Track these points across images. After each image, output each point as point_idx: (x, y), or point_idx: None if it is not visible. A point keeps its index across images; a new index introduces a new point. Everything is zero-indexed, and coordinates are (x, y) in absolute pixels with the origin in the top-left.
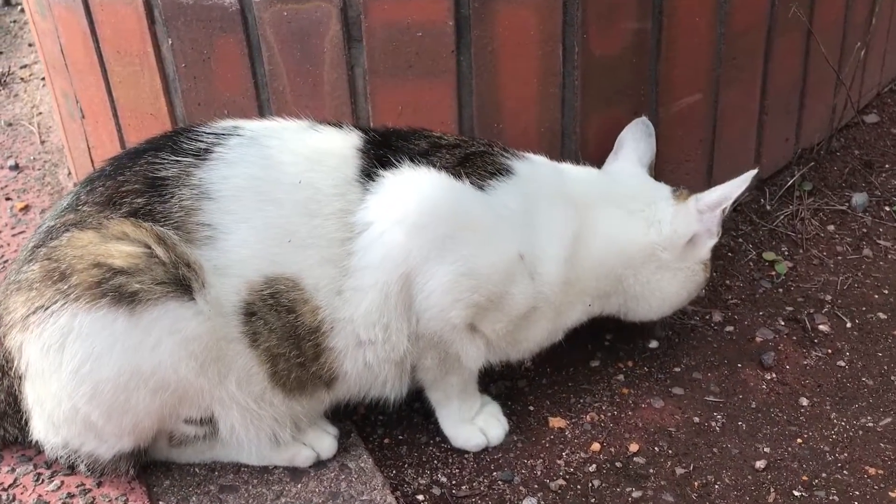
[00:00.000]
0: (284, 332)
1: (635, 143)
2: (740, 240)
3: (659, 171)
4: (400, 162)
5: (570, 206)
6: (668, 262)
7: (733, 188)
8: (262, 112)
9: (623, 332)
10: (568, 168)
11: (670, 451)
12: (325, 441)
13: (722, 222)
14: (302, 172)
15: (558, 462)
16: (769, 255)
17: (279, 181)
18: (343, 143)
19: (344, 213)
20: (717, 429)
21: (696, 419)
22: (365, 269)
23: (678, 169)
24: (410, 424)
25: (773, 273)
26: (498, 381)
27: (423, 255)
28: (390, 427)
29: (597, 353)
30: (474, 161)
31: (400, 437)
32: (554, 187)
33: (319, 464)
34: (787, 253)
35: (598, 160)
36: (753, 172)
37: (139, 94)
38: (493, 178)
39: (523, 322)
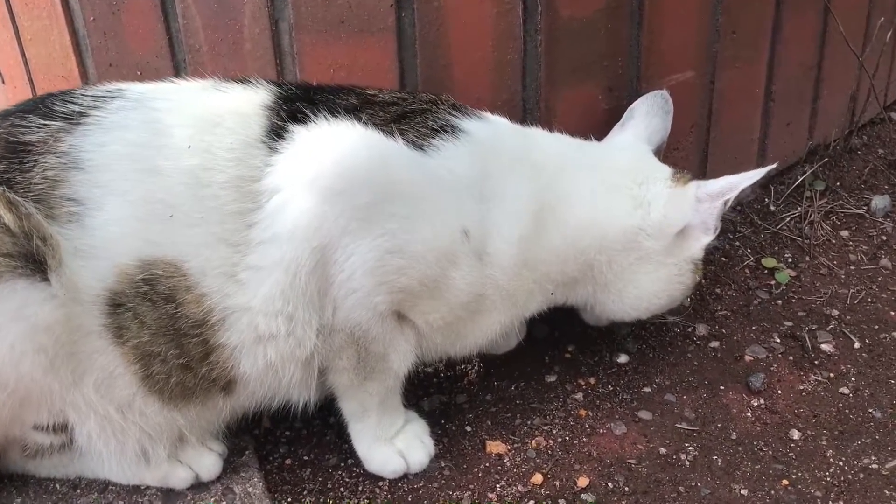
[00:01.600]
0: (161, 326)
1: (647, 119)
2: (737, 243)
3: None
4: (318, 117)
5: (534, 176)
6: (653, 252)
7: (743, 179)
8: (178, 75)
9: (588, 344)
10: (537, 133)
11: (626, 489)
12: (206, 459)
13: (721, 218)
14: (192, 136)
15: (489, 496)
16: (769, 262)
17: (164, 148)
18: (247, 101)
19: (243, 182)
20: (687, 463)
21: (663, 450)
22: (268, 244)
23: (665, 158)
24: (321, 443)
25: (773, 282)
26: (433, 396)
27: (341, 227)
28: (296, 445)
29: (555, 366)
30: (413, 118)
31: (305, 458)
32: (515, 152)
33: (201, 486)
34: (790, 260)
35: None
36: (773, 167)
37: (50, 52)
38: (435, 137)
39: (467, 313)
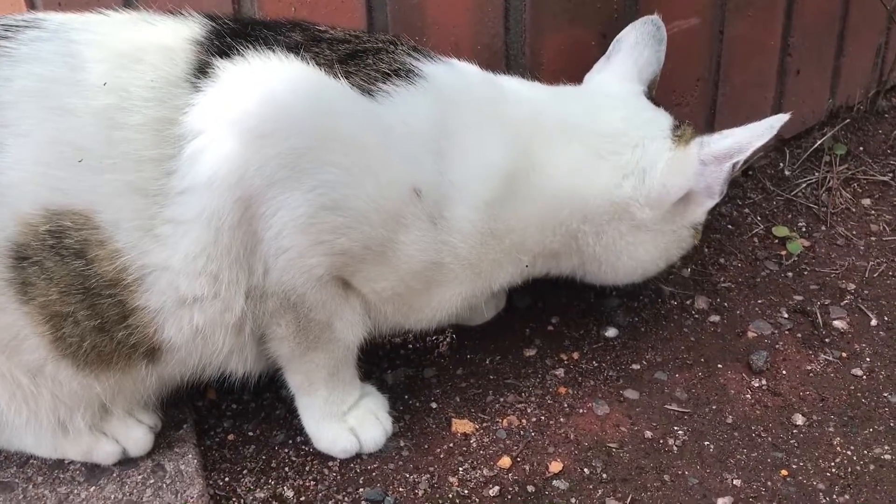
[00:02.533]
0: (70, 284)
1: (636, 50)
2: (746, 210)
3: None
4: (256, 45)
5: (506, 135)
6: (649, 222)
7: (753, 136)
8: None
9: (573, 316)
10: (510, 82)
11: (604, 476)
12: (134, 433)
13: (729, 180)
14: (109, 72)
15: (451, 480)
16: (781, 231)
17: (78, 84)
18: (174, 35)
19: (162, 125)
20: (675, 449)
21: (649, 434)
22: (187, 195)
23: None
24: (269, 418)
25: (784, 252)
26: (398, 369)
27: (267, 176)
28: (242, 419)
29: (535, 339)
30: (364, 59)
31: (250, 434)
32: (483, 105)
33: (130, 461)
34: (804, 229)
35: None
36: (784, 118)
37: None
38: (388, 82)
39: (421, 283)
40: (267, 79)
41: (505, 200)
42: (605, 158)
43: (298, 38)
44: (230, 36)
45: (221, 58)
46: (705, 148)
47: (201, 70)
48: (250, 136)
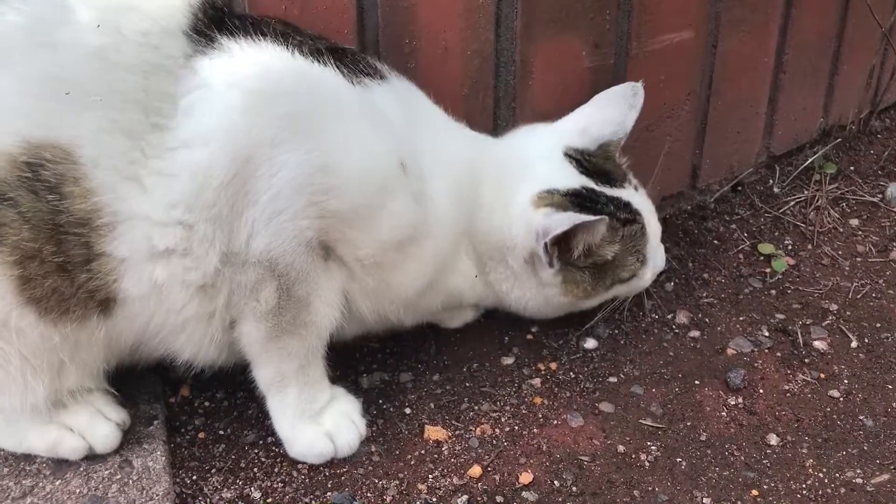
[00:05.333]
0: (42, 220)
1: (600, 108)
2: (733, 226)
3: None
4: (246, 29)
5: (460, 142)
6: (517, 271)
7: (573, 221)
8: None
9: (554, 325)
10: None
11: (574, 489)
12: (100, 429)
13: (553, 257)
14: (104, 15)
15: (419, 487)
16: (766, 248)
17: (70, 23)
18: None
19: (153, 70)
20: (647, 464)
21: (622, 448)
22: (179, 147)
23: (656, 127)
24: (242, 417)
25: (768, 270)
26: (374, 373)
27: (270, 137)
28: (214, 417)
29: (514, 347)
30: (343, 55)
31: (221, 433)
32: (442, 118)
33: (97, 456)
34: (790, 247)
35: (543, 99)
36: (605, 219)
37: None
38: (367, 77)
39: (401, 254)
40: (274, 53)
41: (461, 203)
42: (497, 205)
43: (282, 29)
44: (223, 13)
45: (217, 27)
46: (544, 219)
47: (197, 29)
48: (258, 98)
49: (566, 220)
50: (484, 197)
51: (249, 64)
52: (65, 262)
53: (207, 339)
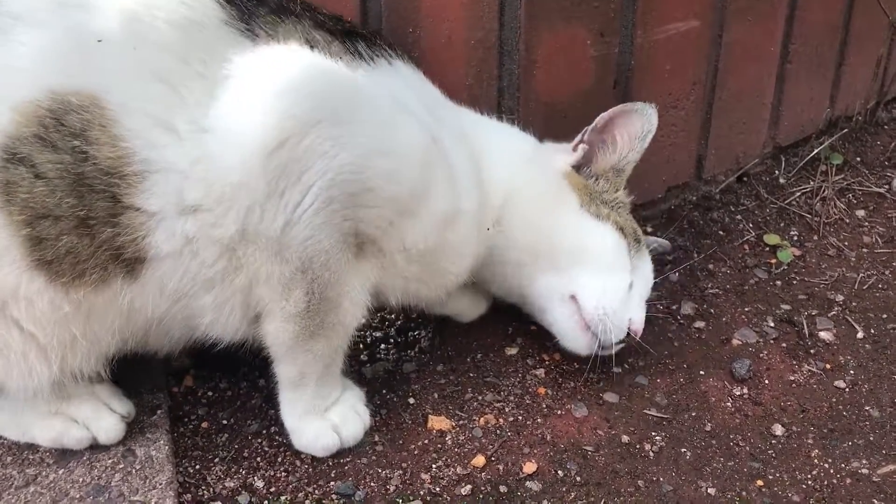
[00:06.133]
0: (62, 172)
1: None
2: (738, 216)
3: None
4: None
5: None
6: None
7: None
8: None
9: None
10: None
11: (578, 479)
12: (104, 421)
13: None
14: None
15: (423, 477)
16: (772, 239)
17: None
18: None
19: (192, 26)
20: (652, 454)
21: (626, 438)
22: (223, 105)
23: (661, 117)
24: (245, 407)
25: (774, 261)
26: (378, 363)
27: (327, 120)
28: (217, 407)
29: (518, 338)
30: (357, 38)
31: (224, 422)
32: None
33: (100, 445)
34: (796, 238)
35: (547, 89)
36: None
37: None
38: (386, 59)
39: (448, 235)
40: (317, 59)
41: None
42: None
43: (302, 7)
44: None
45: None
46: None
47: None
48: (317, 92)
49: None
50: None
51: (291, 58)
52: (86, 216)
53: (230, 307)
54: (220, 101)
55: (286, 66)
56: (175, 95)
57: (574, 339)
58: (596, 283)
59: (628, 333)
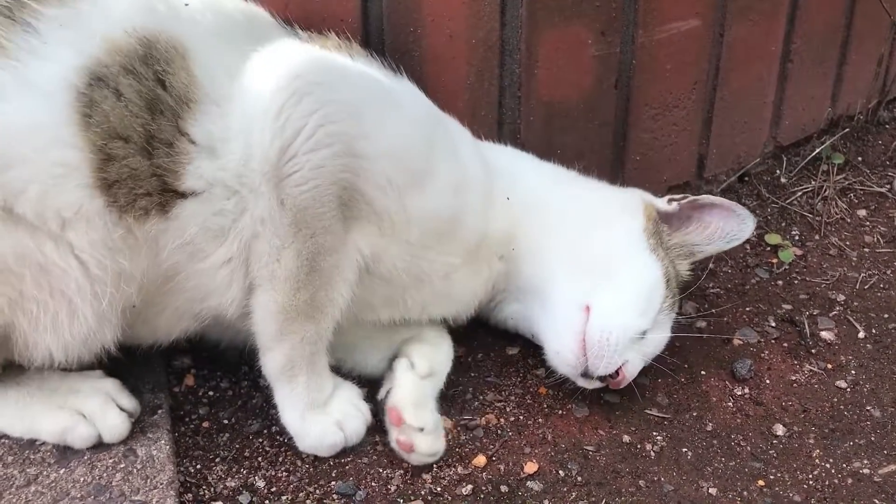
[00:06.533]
0: (142, 94)
1: None
2: None
3: (637, 116)
4: None
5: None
6: None
7: None
8: None
9: None
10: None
11: (579, 479)
12: (111, 418)
13: None
14: None
15: (424, 476)
16: (773, 238)
17: None
18: None
19: (252, 16)
20: (653, 454)
21: (627, 438)
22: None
23: (663, 116)
24: (246, 406)
25: (775, 261)
26: None
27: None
28: (218, 407)
29: (519, 338)
30: None
31: (225, 422)
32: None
33: (102, 445)
34: (797, 238)
35: (549, 88)
36: None
37: None
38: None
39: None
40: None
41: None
42: None
43: None
44: None
45: None
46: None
47: None
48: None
49: None
50: None
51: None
52: (154, 135)
53: (231, 270)
54: (251, 64)
55: (304, 51)
56: (234, 54)
57: (563, 350)
58: (615, 307)
59: (613, 375)
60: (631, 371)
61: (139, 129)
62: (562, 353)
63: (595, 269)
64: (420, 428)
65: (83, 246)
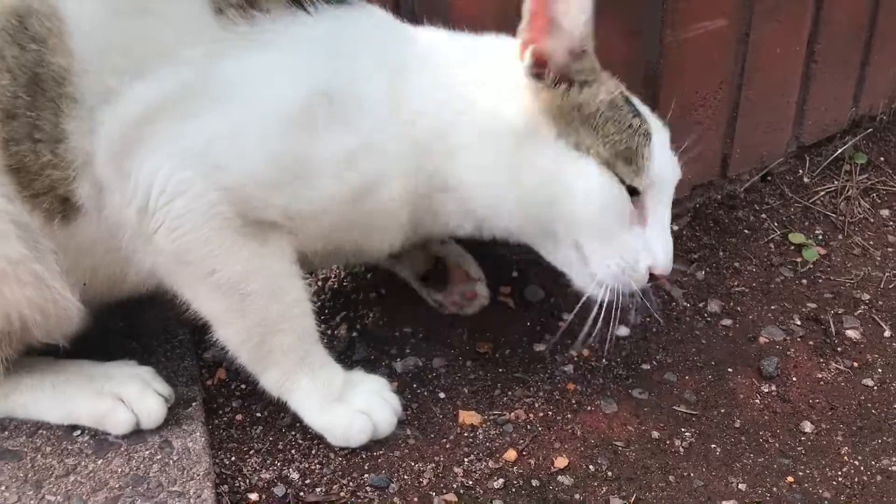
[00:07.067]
0: (21, 67)
1: None
2: (763, 215)
3: (664, 113)
4: None
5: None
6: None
7: None
8: None
9: (585, 312)
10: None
11: (609, 474)
12: (149, 402)
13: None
14: None
15: (456, 470)
16: (797, 238)
17: None
18: None
19: None
20: (682, 450)
21: (656, 434)
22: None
23: (688, 115)
24: (278, 400)
25: (799, 260)
26: (408, 357)
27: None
28: (250, 400)
29: (546, 334)
30: None
31: (258, 415)
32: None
33: (138, 436)
34: (821, 237)
35: None
36: None
37: None
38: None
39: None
40: None
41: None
42: None
43: None
44: None
45: None
46: None
47: None
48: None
49: None
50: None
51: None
52: (35, 122)
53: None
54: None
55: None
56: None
57: (585, 286)
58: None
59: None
60: (663, 259)
61: (22, 105)
62: (589, 292)
63: None
64: (479, 279)
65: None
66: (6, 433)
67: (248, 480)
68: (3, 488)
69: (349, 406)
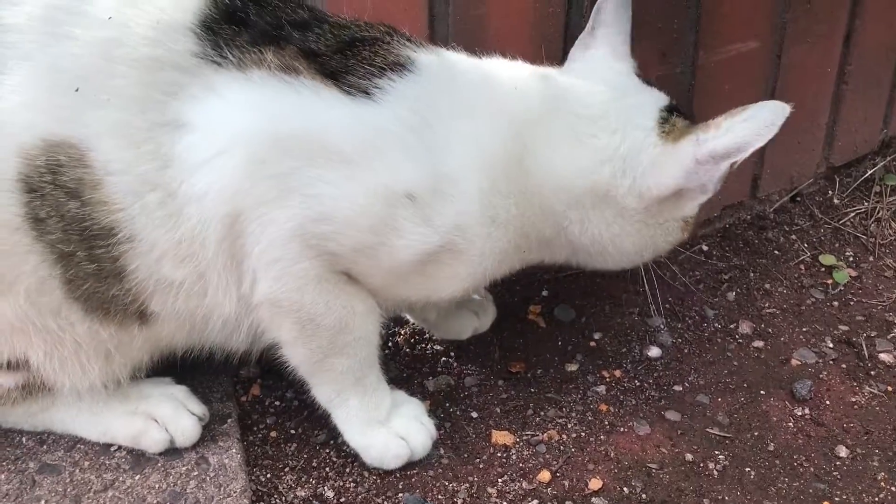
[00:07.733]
0: (70, 223)
1: (618, 21)
2: (793, 236)
3: None
4: (260, 24)
5: (497, 119)
6: (633, 212)
7: (754, 134)
8: None
9: (617, 333)
10: (498, 68)
11: (643, 496)
12: (183, 422)
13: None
14: (117, 7)
15: (489, 490)
16: (828, 259)
17: (84, 15)
18: None
19: (155, 64)
20: (716, 473)
21: (690, 456)
22: (181, 193)
23: None
24: (312, 417)
25: (830, 282)
26: (439, 376)
27: (258, 196)
28: (284, 417)
29: (577, 354)
30: (360, 50)
31: (292, 432)
32: (476, 92)
33: (174, 452)
34: (852, 259)
35: None
36: (786, 109)
37: None
38: (382, 77)
39: (419, 273)
40: (265, 102)
41: (503, 186)
42: (583, 142)
43: (305, 17)
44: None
45: (228, 21)
46: (702, 147)
47: (207, 26)
48: (246, 164)
49: (753, 128)
50: (557, 160)
51: (239, 121)
52: (99, 272)
53: (246, 334)
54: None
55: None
56: (152, 155)
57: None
58: None
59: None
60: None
61: (81, 254)
62: None
63: None
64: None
65: (70, 332)
66: (45, 447)
67: (283, 498)
68: (42, 503)
69: (389, 430)
